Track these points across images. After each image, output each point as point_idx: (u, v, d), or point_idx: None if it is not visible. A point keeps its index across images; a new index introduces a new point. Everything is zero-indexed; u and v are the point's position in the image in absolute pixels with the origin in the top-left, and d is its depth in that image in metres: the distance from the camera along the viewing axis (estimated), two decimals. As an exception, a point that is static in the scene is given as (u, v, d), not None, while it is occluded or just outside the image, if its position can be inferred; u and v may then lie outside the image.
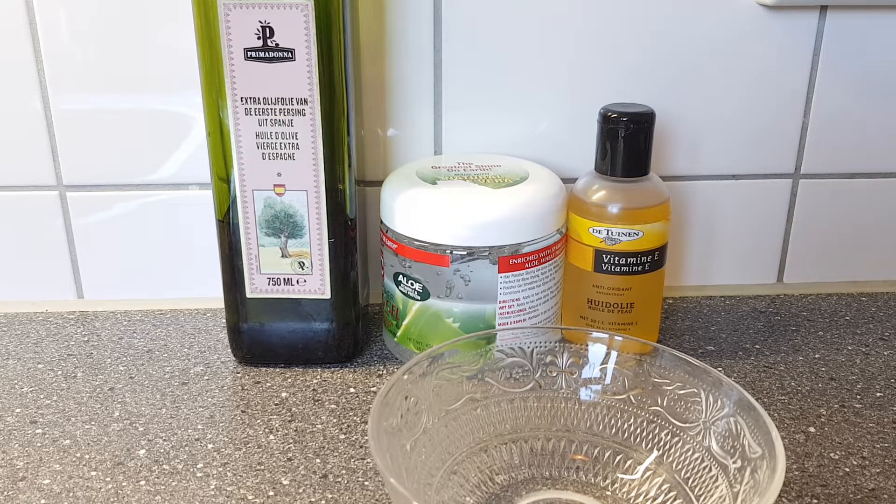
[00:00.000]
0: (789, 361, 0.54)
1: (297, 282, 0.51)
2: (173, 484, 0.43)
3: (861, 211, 0.62)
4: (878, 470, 0.44)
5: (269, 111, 0.47)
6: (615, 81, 0.57)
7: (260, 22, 0.45)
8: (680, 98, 0.58)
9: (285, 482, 0.43)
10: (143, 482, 0.43)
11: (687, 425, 0.42)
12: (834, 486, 0.43)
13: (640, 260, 0.51)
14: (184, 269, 0.60)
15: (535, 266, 0.51)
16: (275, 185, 0.48)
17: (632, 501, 0.41)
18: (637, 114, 0.51)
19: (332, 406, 0.50)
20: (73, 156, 0.57)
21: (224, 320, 0.55)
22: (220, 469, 0.44)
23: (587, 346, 0.45)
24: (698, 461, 0.40)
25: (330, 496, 0.42)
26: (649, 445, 0.43)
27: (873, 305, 0.62)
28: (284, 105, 0.47)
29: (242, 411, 0.49)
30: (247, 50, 0.46)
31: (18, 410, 0.49)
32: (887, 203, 0.62)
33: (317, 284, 0.51)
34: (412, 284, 0.51)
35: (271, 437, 0.47)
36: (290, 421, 0.48)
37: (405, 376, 0.41)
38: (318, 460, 0.45)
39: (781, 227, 0.62)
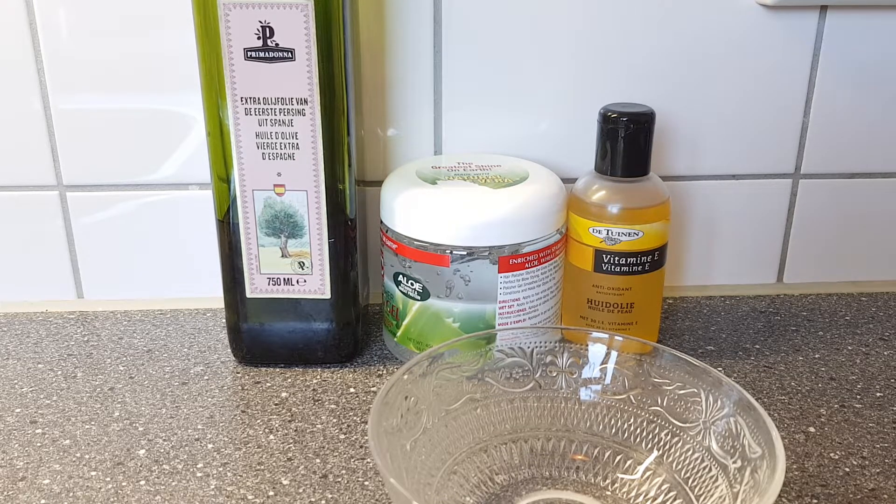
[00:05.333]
0: (789, 361, 0.54)
1: (297, 282, 0.51)
2: (173, 484, 0.43)
3: (861, 211, 0.62)
4: (878, 470, 0.44)
5: (269, 111, 0.47)
6: (615, 81, 0.57)
7: (260, 22, 0.45)
8: (680, 98, 0.58)
9: (285, 482, 0.43)
10: (143, 482, 0.43)
11: (687, 425, 0.42)
12: (834, 486, 0.43)
13: (640, 260, 0.51)
14: (184, 269, 0.60)
15: (535, 266, 0.51)
16: (275, 185, 0.48)
17: (632, 501, 0.41)
18: (637, 114, 0.51)
19: (332, 406, 0.50)
20: (73, 156, 0.57)
21: (224, 320, 0.55)
22: (220, 469, 0.44)
23: (587, 346, 0.45)
24: (698, 461, 0.40)
25: (330, 496, 0.42)
26: (649, 445, 0.43)
27: (873, 305, 0.62)
28: (284, 105, 0.47)
29: (242, 411, 0.49)
30: (247, 50, 0.46)
31: (18, 410, 0.49)
32: (887, 203, 0.62)
33: (317, 284, 0.51)
34: (412, 284, 0.51)
35: (271, 437, 0.47)
36: (290, 421, 0.48)
37: (405, 376, 0.41)
38: (318, 460, 0.45)
39: (781, 227, 0.62)
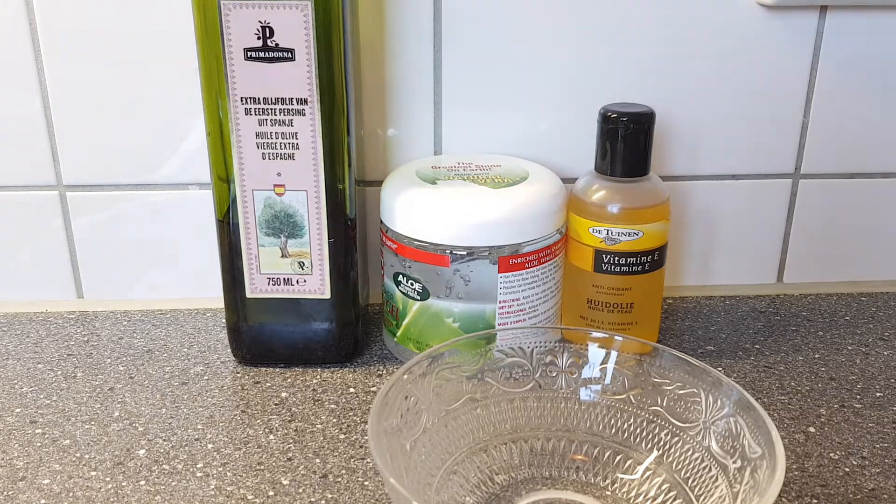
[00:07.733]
0: (789, 361, 0.54)
1: (297, 282, 0.51)
2: (173, 484, 0.43)
3: (861, 211, 0.62)
4: (878, 470, 0.44)
5: (269, 111, 0.47)
6: (615, 81, 0.57)
7: (260, 22, 0.45)
8: (680, 98, 0.58)
9: (285, 482, 0.43)
10: (143, 482, 0.43)
11: (687, 425, 0.42)
12: (834, 486, 0.43)
13: (640, 260, 0.51)
14: (184, 269, 0.60)
15: (535, 266, 0.51)
16: (275, 185, 0.48)
17: (632, 501, 0.41)
18: (637, 114, 0.51)
19: (332, 406, 0.50)
20: (73, 156, 0.57)
21: (224, 320, 0.55)
22: (220, 469, 0.44)
23: (587, 346, 0.45)
24: (698, 461, 0.40)
25: (330, 496, 0.42)
26: (649, 445, 0.43)
27: (873, 305, 0.62)
28: (284, 105, 0.47)
29: (242, 411, 0.49)
30: (247, 50, 0.46)
31: (18, 410, 0.49)
32: (887, 203, 0.62)
33: (317, 284, 0.51)
34: (412, 284, 0.51)
35: (271, 437, 0.47)
36: (290, 421, 0.48)
37: (405, 376, 0.41)
38: (318, 460, 0.45)
39: (781, 227, 0.62)
